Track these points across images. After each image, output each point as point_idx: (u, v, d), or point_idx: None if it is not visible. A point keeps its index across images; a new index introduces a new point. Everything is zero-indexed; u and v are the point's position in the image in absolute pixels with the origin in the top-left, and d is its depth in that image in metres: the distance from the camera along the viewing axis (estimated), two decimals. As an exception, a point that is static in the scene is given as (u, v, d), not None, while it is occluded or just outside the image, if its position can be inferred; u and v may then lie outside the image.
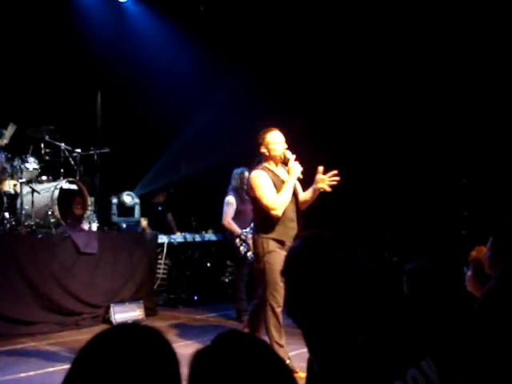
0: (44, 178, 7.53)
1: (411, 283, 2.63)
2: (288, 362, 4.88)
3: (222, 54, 9.58)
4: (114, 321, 6.90)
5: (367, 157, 8.25)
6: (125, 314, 7.07)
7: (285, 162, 5.08)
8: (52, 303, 6.51)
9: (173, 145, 10.00)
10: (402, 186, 7.87)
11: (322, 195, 5.18)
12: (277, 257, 4.83)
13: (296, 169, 4.94)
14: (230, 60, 9.50)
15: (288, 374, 1.25)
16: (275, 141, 5.06)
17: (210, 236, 9.17)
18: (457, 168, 7.41)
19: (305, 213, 5.21)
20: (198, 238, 8.99)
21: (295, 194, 5.07)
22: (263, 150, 5.10)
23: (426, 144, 7.74)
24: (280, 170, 5.11)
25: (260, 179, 4.99)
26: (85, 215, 7.43)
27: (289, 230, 4.93)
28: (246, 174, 7.32)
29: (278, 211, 4.89)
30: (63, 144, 7.58)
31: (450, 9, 7.38)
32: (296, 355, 5.38)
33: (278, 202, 4.90)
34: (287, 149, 5.05)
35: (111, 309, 6.96)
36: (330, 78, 8.51)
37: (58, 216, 7.06)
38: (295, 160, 4.97)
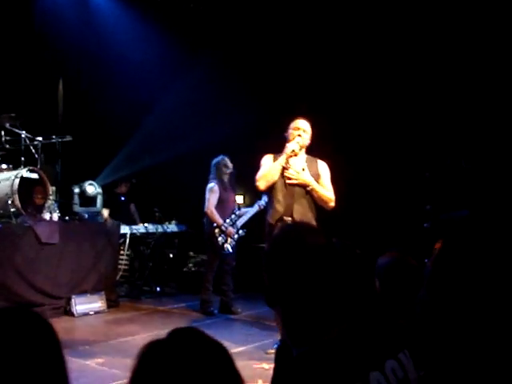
0: (4, 166, 7.38)
1: (382, 278, 2.66)
2: None
3: (187, 42, 9.51)
4: (75, 312, 6.81)
5: (330, 149, 8.29)
6: (86, 305, 7.00)
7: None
8: (11, 294, 6.37)
9: (136, 134, 9.89)
10: (365, 179, 7.94)
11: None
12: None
13: (287, 147, 5.07)
14: (194, 49, 9.43)
15: (237, 378, 1.25)
16: (292, 126, 5.24)
17: (172, 227, 9.12)
18: (420, 162, 7.50)
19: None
20: (160, 228, 8.93)
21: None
22: (286, 133, 5.27)
23: (390, 138, 7.81)
24: (295, 159, 5.16)
25: (262, 161, 5.24)
26: (46, 205, 7.30)
27: (274, 212, 5.10)
28: (228, 161, 7.28)
29: (257, 183, 5.13)
30: (24, 132, 7.44)
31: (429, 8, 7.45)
32: (260, 346, 5.42)
33: (259, 174, 5.14)
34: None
35: (72, 300, 6.87)
36: (294, 64, 8.51)
37: (19, 205, 6.92)
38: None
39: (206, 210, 7.14)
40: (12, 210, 6.88)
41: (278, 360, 2.00)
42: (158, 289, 8.63)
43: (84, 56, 9.24)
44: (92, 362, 4.99)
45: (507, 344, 2.12)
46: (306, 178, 5.13)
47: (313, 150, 5.43)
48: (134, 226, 8.68)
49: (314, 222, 5.00)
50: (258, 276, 2.94)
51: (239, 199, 8.52)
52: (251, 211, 7.46)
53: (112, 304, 7.38)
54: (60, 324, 6.40)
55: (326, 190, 5.21)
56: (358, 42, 7.95)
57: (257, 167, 5.27)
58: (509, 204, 6.22)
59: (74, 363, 4.84)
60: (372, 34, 7.83)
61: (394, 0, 7.70)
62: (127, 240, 8.42)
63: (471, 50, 7.04)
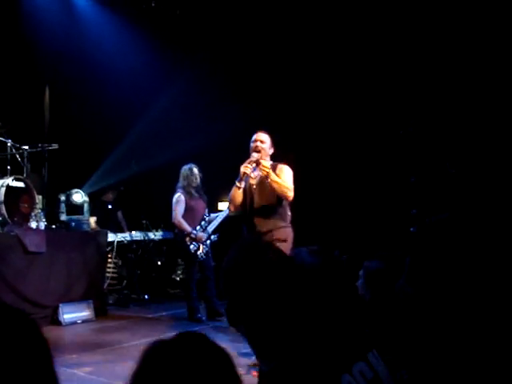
0: (-10, 175, 7.33)
1: (371, 282, 2.68)
2: None
3: (173, 50, 9.53)
4: (62, 321, 6.78)
5: (317, 155, 8.33)
6: (74, 314, 6.97)
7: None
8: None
9: (123, 142, 9.87)
10: (352, 184, 7.98)
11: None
12: None
13: (240, 170, 5.22)
14: (180, 57, 9.45)
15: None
16: (252, 139, 5.36)
17: (160, 234, 9.11)
18: (405, 167, 7.55)
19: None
20: (148, 236, 8.91)
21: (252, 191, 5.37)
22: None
23: (376, 143, 7.86)
24: (258, 172, 5.31)
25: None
26: (32, 213, 7.25)
27: (246, 228, 5.37)
28: (195, 169, 7.32)
29: (229, 206, 5.51)
30: (10, 140, 7.40)
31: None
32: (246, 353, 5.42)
33: (229, 197, 5.44)
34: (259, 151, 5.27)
35: (60, 309, 6.83)
36: (283, 68, 8.54)
37: (5, 214, 6.89)
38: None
39: (173, 220, 7.27)
40: (-2, 218, 6.85)
41: (260, 372, 2.01)
42: (146, 296, 8.60)
43: (70, 63, 9.20)
44: (80, 371, 4.96)
45: (488, 331, 2.16)
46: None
47: (296, 156, 5.51)
48: (121, 234, 8.66)
49: (279, 224, 5.26)
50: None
51: (224, 206, 8.54)
52: (221, 216, 7.50)
53: (100, 312, 7.34)
54: (47, 333, 6.29)
55: (282, 181, 5.23)
56: (341, 46, 7.99)
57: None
58: (490, 203, 6.28)
59: (61, 372, 4.79)
60: (356, 37, 7.88)
61: (376, 6, 7.77)
62: (115, 248, 8.40)
63: (455, 54, 7.11)
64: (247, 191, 5.36)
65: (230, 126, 8.07)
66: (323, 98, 8.21)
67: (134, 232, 8.86)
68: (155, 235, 9.01)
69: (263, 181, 5.22)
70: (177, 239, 7.56)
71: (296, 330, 1.58)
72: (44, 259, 6.86)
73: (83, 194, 8.47)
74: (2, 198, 6.88)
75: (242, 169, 5.21)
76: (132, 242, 8.78)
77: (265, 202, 5.28)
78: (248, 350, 5.42)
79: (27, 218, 7.21)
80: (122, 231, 8.90)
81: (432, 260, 2.32)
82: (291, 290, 1.60)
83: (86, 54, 9.44)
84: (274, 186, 5.12)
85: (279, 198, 5.27)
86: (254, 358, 5.10)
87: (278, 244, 4.91)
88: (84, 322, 6.99)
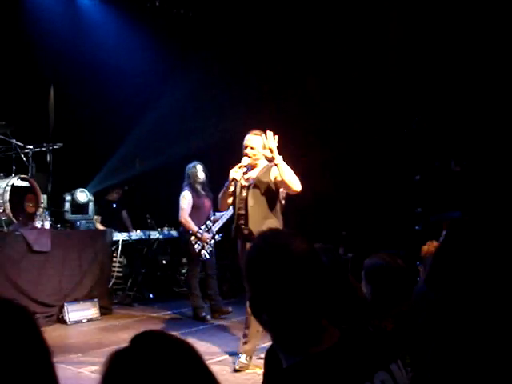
0: (-5, 175, 7.36)
1: (371, 278, 2.66)
2: None
3: (177, 49, 9.53)
4: (68, 320, 6.79)
5: (322, 153, 8.33)
6: (79, 312, 6.98)
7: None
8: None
9: (127, 141, 9.88)
10: (357, 182, 7.97)
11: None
12: None
13: (230, 174, 5.23)
14: (185, 55, 9.45)
15: (208, 375, 1.24)
16: (244, 142, 5.32)
17: (165, 233, 9.11)
18: (410, 165, 7.54)
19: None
20: (153, 235, 8.92)
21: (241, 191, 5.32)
22: None
23: (381, 141, 7.85)
24: (251, 172, 5.30)
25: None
26: (37, 213, 7.27)
27: (234, 228, 5.40)
28: (200, 166, 7.32)
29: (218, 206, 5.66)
30: (14, 140, 7.41)
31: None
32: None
33: (218, 197, 5.53)
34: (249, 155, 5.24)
35: (65, 308, 6.85)
36: (288, 67, 8.54)
37: (10, 214, 6.91)
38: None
39: (180, 218, 7.23)
40: (3, 218, 6.87)
41: (268, 365, 1.99)
42: (151, 295, 8.61)
43: (75, 63, 9.21)
44: (85, 370, 4.98)
45: (507, 339, 2.10)
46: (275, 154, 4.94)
47: (301, 153, 5.48)
48: (126, 233, 8.67)
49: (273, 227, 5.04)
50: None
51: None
52: (226, 215, 7.48)
53: (105, 311, 7.36)
54: (53, 332, 6.39)
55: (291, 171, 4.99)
56: (344, 45, 7.99)
57: None
58: (501, 205, 6.26)
59: (67, 371, 4.83)
60: (358, 37, 7.88)
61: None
62: (120, 247, 8.41)
63: (458, 52, 7.09)
64: (238, 194, 5.30)
65: (235, 125, 8.07)
66: (327, 96, 8.20)
67: (138, 231, 8.87)
68: (160, 234, 9.01)
69: (258, 183, 5.16)
70: (181, 238, 7.56)
71: (319, 325, 1.55)
72: (49, 258, 6.87)
73: (88, 193, 8.48)
74: (8, 197, 6.90)
75: (232, 174, 5.20)
76: (137, 241, 8.78)
77: (258, 205, 5.18)
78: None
79: (32, 218, 7.22)
80: (127, 230, 8.90)
81: (458, 262, 2.24)
82: (318, 283, 1.56)
83: (90, 54, 9.45)
84: (285, 174, 4.87)
85: (273, 202, 5.17)
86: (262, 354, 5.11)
87: None
88: (89, 320, 7.01)
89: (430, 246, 3.41)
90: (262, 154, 5.21)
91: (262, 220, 5.08)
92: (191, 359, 1.23)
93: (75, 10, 9.90)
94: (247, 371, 4.95)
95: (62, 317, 6.83)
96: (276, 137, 4.92)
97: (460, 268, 2.25)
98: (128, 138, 9.88)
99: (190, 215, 7.19)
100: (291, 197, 5.21)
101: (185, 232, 7.28)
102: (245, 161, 5.22)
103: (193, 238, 7.11)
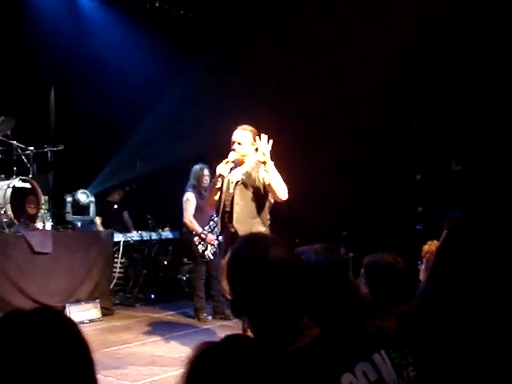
0: (-4, 176, 7.38)
1: (370, 278, 2.66)
2: None
3: (178, 50, 9.53)
4: (69, 321, 6.79)
5: (323, 152, 8.34)
6: (81, 313, 6.99)
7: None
8: (4, 303, 6.33)
9: (128, 142, 9.89)
10: (358, 182, 7.98)
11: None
12: None
13: (216, 170, 5.03)
14: (186, 56, 9.46)
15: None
16: (232, 137, 5.12)
17: (166, 234, 9.12)
18: (411, 165, 7.55)
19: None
20: (154, 236, 8.93)
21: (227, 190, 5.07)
22: None
23: (381, 140, 7.86)
24: (242, 168, 5.08)
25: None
26: (38, 214, 7.30)
27: (219, 225, 5.25)
28: (206, 170, 7.33)
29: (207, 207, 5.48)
30: (15, 141, 7.43)
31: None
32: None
33: (207, 197, 5.36)
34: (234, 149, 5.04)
35: (67, 309, 6.85)
36: (292, 68, 8.54)
37: (11, 215, 6.93)
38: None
39: (184, 220, 7.24)
40: (4, 219, 6.88)
41: None
42: (153, 296, 8.61)
43: (75, 64, 9.23)
44: (87, 371, 4.98)
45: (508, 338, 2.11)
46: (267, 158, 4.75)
47: (302, 153, 5.45)
48: (127, 234, 8.68)
49: (259, 228, 4.82)
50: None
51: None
52: None
53: (107, 312, 7.37)
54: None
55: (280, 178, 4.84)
56: (346, 43, 7.99)
57: None
58: (501, 204, 6.27)
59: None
60: (361, 36, 7.88)
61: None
62: (121, 248, 8.41)
63: (458, 52, 7.09)
64: (225, 190, 5.07)
65: (237, 125, 8.08)
66: (328, 96, 8.20)
67: (140, 232, 8.88)
68: (161, 235, 9.02)
69: (246, 181, 4.96)
70: (184, 239, 7.55)
71: (298, 325, 1.61)
72: (50, 260, 6.88)
73: (89, 194, 8.51)
74: (9, 198, 6.91)
75: (219, 169, 4.99)
76: (138, 241, 8.79)
77: (245, 203, 4.95)
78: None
79: (33, 219, 7.25)
80: (128, 231, 8.91)
81: (459, 262, 2.24)
82: (295, 286, 1.63)
83: (91, 55, 9.47)
84: (274, 180, 4.73)
85: (261, 201, 4.96)
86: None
87: None
88: (91, 321, 7.02)
89: (430, 246, 3.41)
90: (250, 150, 5.03)
91: (248, 219, 4.91)
92: (270, 366, 1.25)
93: (76, 11, 9.91)
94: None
95: (64, 318, 6.83)
96: (271, 141, 4.73)
97: (461, 267, 2.26)
98: (129, 138, 9.89)
99: (194, 216, 7.20)
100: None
101: (188, 233, 7.28)
102: (232, 156, 5.01)
103: (196, 238, 7.10)
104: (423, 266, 3.40)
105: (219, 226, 5.20)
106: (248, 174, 4.98)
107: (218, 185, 5.07)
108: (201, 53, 9.19)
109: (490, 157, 6.90)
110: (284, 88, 8.57)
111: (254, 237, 1.85)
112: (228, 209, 5.02)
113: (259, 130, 5.04)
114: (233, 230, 4.92)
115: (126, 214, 9.33)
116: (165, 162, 9.36)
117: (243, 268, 1.66)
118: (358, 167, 8.03)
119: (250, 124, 5.16)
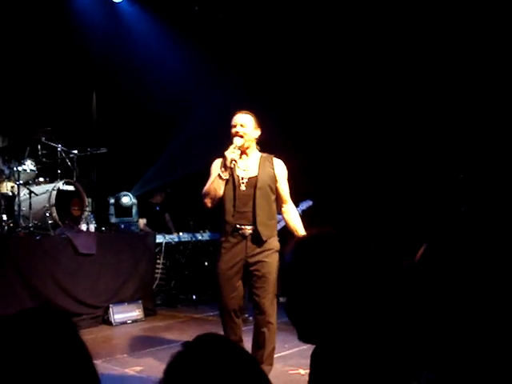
0: (41, 179, 7.56)
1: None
2: None
3: (220, 53, 9.58)
4: (113, 321, 6.90)
5: (363, 152, 8.27)
6: (124, 314, 7.08)
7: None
8: (50, 304, 6.49)
9: (170, 144, 9.99)
10: (400, 181, 7.89)
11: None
12: None
13: (226, 157, 4.42)
14: (227, 59, 9.50)
15: (264, 379, 1.24)
16: (231, 123, 4.64)
17: (207, 235, 9.18)
18: (454, 164, 7.42)
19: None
20: (195, 237, 9.00)
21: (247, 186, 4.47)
22: None
23: (424, 139, 7.75)
24: (245, 161, 4.54)
25: (212, 168, 4.64)
26: (82, 216, 7.43)
27: (225, 225, 4.46)
28: None
29: (204, 200, 4.50)
30: (60, 145, 7.59)
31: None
32: (296, 352, 5.40)
33: (204, 189, 4.53)
34: (240, 135, 4.51)
35: (110, 309, 6.96)
36: (325, 79, 8.51)
37: (56, 217, 7.06)
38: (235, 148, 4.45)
39: None
40: (50, 221, 7.02)
41: (314, 364, 1.98)
42: (194, 297, 8.68)
43: (116, 69, 9.37)
44: (131, 370, 5.05)
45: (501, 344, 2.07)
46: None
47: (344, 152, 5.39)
48: (169, 236, 8.77)
49: (274, 232, 4.51)
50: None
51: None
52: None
53: (149, 312, 7.45)
54: (98, 333, 6.52)
55: (299, 219, 4.59)
56: (345, 43, 7.96)
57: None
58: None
59: (112, 371, 4.91)
60: (361, 32, 7.84)
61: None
62: (163, 249, 8.51)
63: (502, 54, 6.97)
64: (231, 188, 4.44)
65: (274, 129, 8.11)
66: (362, 96, 8.15)
67: (181, 233, 8.96)
68: (202, 236, 9.08)
69: (263, 179, 4.45)
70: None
71: (371, 325, 1.56)
72: (94, 261, 7.00)
73: (132, 196, 8.63)
74: (54, 201, 7.06)
75: (229, 154, 4.37)
76: (179, 243, 8.88)
77: (266, 203, 4.45)
78: (297, 348, 5.41)
79: (78, 221, 7.38)
80: (170, 233, 9.00)
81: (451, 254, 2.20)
82: (370, 285, 1.56)
83: (132, 59, 9.60)
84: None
85: (274, 200, 4.51)
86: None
87: (272, 255, 4.40)
88: (134, 322, 7.11)
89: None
90: (253, 136, 4.54)
91: (267, 221, 4.44)
92: (247, 362, 1.23)
93: (117, 16, 10.06)
94: (290, 372, 4.94)
95: (108, 318, 6.95)
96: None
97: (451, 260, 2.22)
98: (171, 141, 9.98)
99: None
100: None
101: None
102: (238, 141, 4.45)
103: None
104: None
105: (227, 227, 4.45)
106: (264, 173, 4.47)
107: (227, 176, 4.40)
108: (243, 57, 9.20)
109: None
110: (314, 97, 8.55)
111: (320, 233, 1.65)
112: (243, 209, 4.39)
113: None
114: (251, 231, 4.40)
115: (167, 216, 9.43)
116: (206, 165, 9.40)
117: (302, 270, 1.55)
118: (401, 166, 7.94)
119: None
